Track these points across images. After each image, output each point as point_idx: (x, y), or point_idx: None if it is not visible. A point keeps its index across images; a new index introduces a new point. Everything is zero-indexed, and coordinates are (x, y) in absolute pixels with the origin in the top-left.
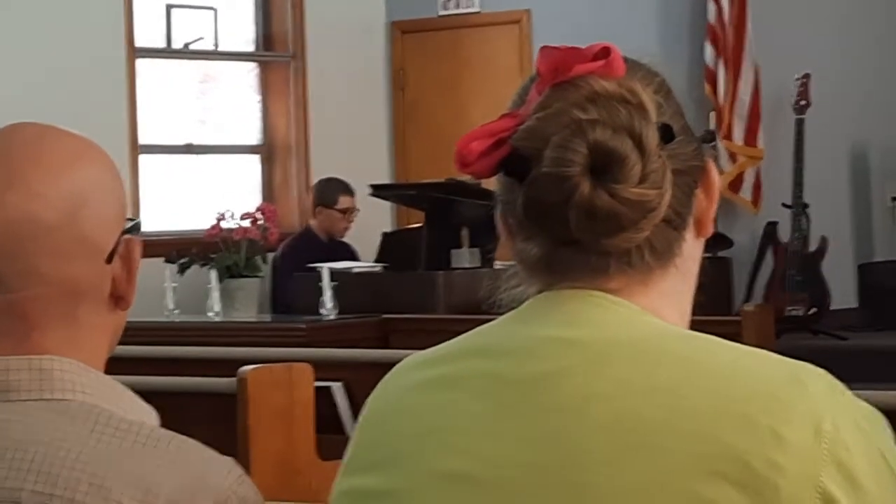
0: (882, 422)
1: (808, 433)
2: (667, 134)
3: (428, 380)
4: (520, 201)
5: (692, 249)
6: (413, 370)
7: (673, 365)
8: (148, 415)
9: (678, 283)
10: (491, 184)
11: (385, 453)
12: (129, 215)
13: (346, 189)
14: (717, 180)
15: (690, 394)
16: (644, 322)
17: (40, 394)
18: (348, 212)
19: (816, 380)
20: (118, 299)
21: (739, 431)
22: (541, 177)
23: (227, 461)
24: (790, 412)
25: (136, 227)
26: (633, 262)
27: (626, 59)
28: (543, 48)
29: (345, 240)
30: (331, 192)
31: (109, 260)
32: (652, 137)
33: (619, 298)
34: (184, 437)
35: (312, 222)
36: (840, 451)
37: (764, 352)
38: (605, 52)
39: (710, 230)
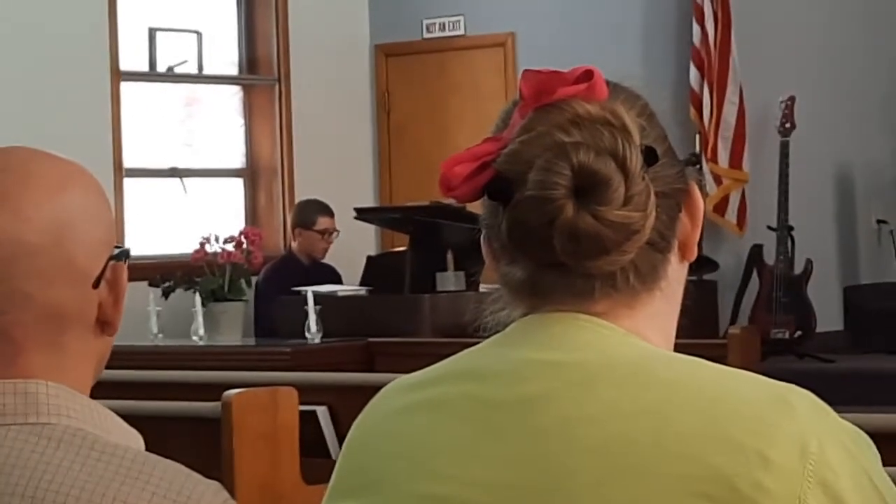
0: (868, 442)
1: (793, 454)
2: (650, 156)
3: (413, 403)
4: (504, 225)
5: (677, 273)
6: (398, 394)
7: (659, 387)
8: (133, 439)
9: (663, 307)
10: (476, 207)
11: (370, 477)
12: (115, 242)
13: (325, 210)
14: (701, 204)
15: (677, 416)
16: (629, 345)
17: (25, 418)
18: (327, 233)
19: (802, 401)
20: (104, 325)
21: (726, 453)
22: (525, 200)
23: (213, 485)
24: (776, 434)
25: (124, 254)
26: (618, 285)
27: (608, 82)
28: (526, 71)
29: (327, 262)
30: (309, 213)
31: (96, 285)
32: (635, 160)
33: (605, 321)
34: (169, 461)
35: (294, 245)
36: (825, 472)
37: (749, 373)
38: (587, 76)
39: (694, 254)
